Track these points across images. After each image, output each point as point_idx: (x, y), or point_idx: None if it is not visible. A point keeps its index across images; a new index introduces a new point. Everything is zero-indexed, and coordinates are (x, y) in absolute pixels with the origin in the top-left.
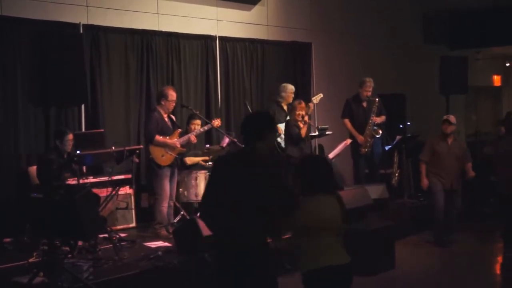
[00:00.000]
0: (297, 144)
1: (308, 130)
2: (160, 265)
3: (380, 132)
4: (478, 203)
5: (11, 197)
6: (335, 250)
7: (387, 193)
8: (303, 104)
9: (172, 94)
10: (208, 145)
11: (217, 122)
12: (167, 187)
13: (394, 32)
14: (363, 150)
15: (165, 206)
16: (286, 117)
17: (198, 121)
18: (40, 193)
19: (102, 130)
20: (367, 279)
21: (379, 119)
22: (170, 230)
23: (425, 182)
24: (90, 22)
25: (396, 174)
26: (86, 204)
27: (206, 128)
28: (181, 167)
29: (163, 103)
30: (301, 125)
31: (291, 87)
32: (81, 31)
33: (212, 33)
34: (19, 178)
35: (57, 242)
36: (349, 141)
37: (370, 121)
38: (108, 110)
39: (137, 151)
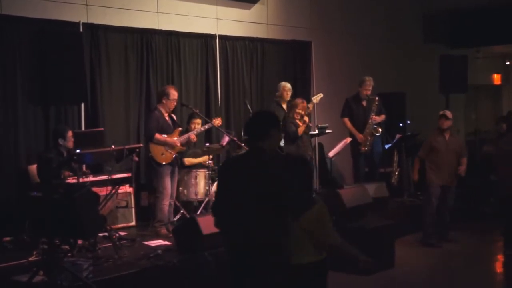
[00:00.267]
0: (294, 142)
1: (307, 130)
2: (159, 264)
3: (380, 130)
4: (478, 203)
5: (11, 196)
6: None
7: (386, 192)
8: (305, 104)
9: (174, 93)
10: (208, 144)
11: (217, 121)
12: (168, 185)
13: (394, 32)
14: (363, 148)
15: (166, 204)
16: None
17: (199, 120)
18: (40, 192)
19: (102, 129)
20: (366, 278)
21: (379, 118)
22: (170, 229)
23: (416, 177)
24: (90, 21)
25: (396, 173)
26: (85, 203)
27: (206, 127)
28: (181, 166)
29: (164, 101)
30: (300, 124)
31: (284, 84)
32: (81, 30)
33: (212, 32)
34: (19, 177)
35: (57, 241)
36: (349, 139)
37: (370, 120)
38: (107, 108)
39: (137, 150)
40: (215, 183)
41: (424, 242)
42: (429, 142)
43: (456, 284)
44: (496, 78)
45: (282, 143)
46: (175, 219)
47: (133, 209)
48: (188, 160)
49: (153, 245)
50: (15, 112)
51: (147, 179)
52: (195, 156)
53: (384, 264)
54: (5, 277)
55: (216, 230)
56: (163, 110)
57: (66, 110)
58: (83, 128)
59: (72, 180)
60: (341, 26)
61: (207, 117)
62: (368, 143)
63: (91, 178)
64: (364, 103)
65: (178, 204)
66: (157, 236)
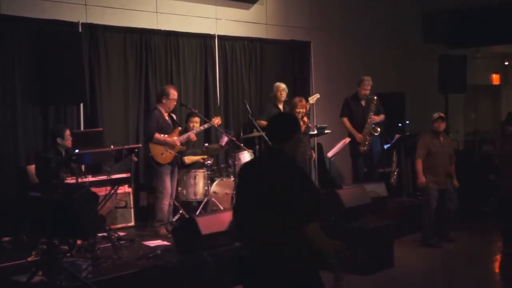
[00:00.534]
0: None
1: (307, 129)
2: (159, 264)
3: (379, 130)
4: (478, 203)
5: (10, 196)
6: None
7: (386, 192)
8: (303, 102)
9: (174, 93)
10: (207, 144)
11: (217, 121)
12: (168, 185)
13: (394, 32)
14: (362, 148)
15: (166, 204)
16: None
17: (197, 119)
18: (39, 192)
19: (101, 129)
20: (365, 278)
21: (378, 118)
22: (169, 229)
23: (423, 179)
24: (89, 21)
25: (395, 173)
26: (85, 203)
27: (206, 126)
28: (180, 166)
29: (164, 101)
30: (300, 124)
31: (278, 85)
32: (80, 30)
33: (211, 32)
34: (18, 177)
35: (56, 241)
36: (348, 139)
37: (369, 120)
38: (107, 108)
39: (136, 150)
40: (214, 183)
41: (424, 243)
42: (426, 145)
43: (456, 284)
44: (495, 78)
45: None
46: (174, 219)
47: (132, 209)
48: (188, 158)
49: (152, 245)
50: (14, 112)
51: (146, 179)
52: (195, 155)
53: (383, 264)
54: (4, 277)
55: (215, 230)
56: (163, 110)
57: (65, 110)
58: (82, 128)
59: (71, 180)
60: (340, 26)
61: (206, 117)
62: (367, 142)
63: (90, 178)
64: (363, 103)
65: (177, 204)
66: (156, 236)
